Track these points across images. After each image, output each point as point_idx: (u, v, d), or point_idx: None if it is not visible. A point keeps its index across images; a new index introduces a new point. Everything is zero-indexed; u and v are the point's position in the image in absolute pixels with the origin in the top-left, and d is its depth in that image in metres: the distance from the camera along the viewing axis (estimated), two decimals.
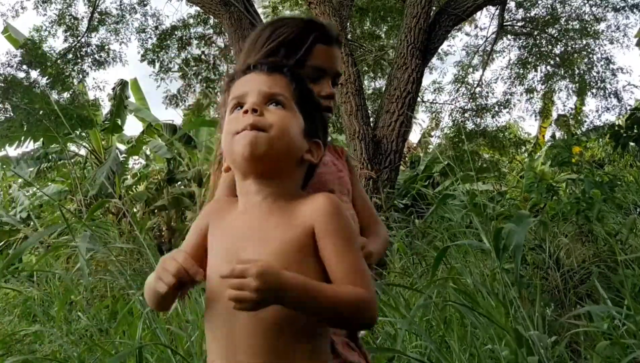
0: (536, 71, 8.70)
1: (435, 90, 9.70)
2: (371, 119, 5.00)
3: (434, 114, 10.06)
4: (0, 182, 10.73)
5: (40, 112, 7.59)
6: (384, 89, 5.15)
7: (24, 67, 7.79)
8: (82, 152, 11.26)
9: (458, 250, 3.19)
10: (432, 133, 12.75)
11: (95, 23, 8.08)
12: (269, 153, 1.07)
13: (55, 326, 2.96)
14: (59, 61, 7.87)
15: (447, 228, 3.80)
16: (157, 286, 1.03)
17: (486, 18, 9.57)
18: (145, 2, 8.39)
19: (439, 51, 9.73)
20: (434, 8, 5.03)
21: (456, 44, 23.41)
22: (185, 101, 9.26)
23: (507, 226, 1.61)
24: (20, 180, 10.29)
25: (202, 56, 8.55)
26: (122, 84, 9.99)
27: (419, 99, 9.45)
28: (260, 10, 8.90)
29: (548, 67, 8.58)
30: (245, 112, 1.08)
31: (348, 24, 7.41)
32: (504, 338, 1.66)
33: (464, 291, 1.86)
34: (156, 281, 1.03)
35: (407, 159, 11.72)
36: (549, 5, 8.07)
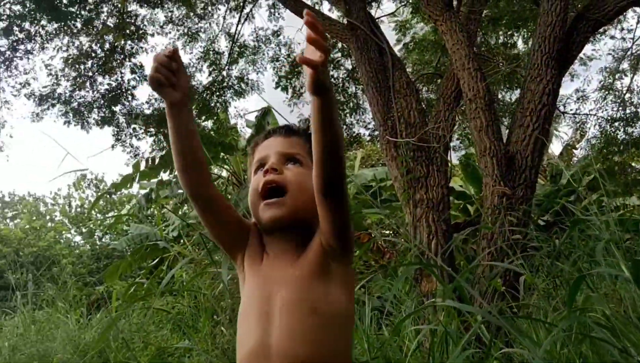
0: None
1: (578, 99, 9.00)
2: (505, 133, 4.79)
3: (577, 124, 9.34)
4: (156, 204, 11.85)
5: None
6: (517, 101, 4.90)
7: None
8: (224, 174, 12.12)
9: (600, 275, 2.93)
10: (577, 145, 11.88)
11: (235, 56, 8.71)
12: (289, 215, 1.23)
13: (201, 340, 3.22)
14: (204, 93, 8.58)
15: (592, 249, 3.49)
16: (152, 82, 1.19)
17: (633, 20, 8.73)
18: (278, 33, 8.88)
19: (582, 56, 9.06)
20: (570, 14, 4.72)
21: (601, 48, 21.59)
22: None
23: None
24: (171, 201, 11.28)
25: (331, 79, 8.77)
26: (264, 112, 10.60)
27: (560, 109, 8.86)
28: (388, 27, 8.99)
29: None
30: (266, 171, 1.26)
31: (478, 37, 7.20)
32: None
33: (600, 324, 1.71)
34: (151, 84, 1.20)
35: (546, 173, 10.99)
36: None
